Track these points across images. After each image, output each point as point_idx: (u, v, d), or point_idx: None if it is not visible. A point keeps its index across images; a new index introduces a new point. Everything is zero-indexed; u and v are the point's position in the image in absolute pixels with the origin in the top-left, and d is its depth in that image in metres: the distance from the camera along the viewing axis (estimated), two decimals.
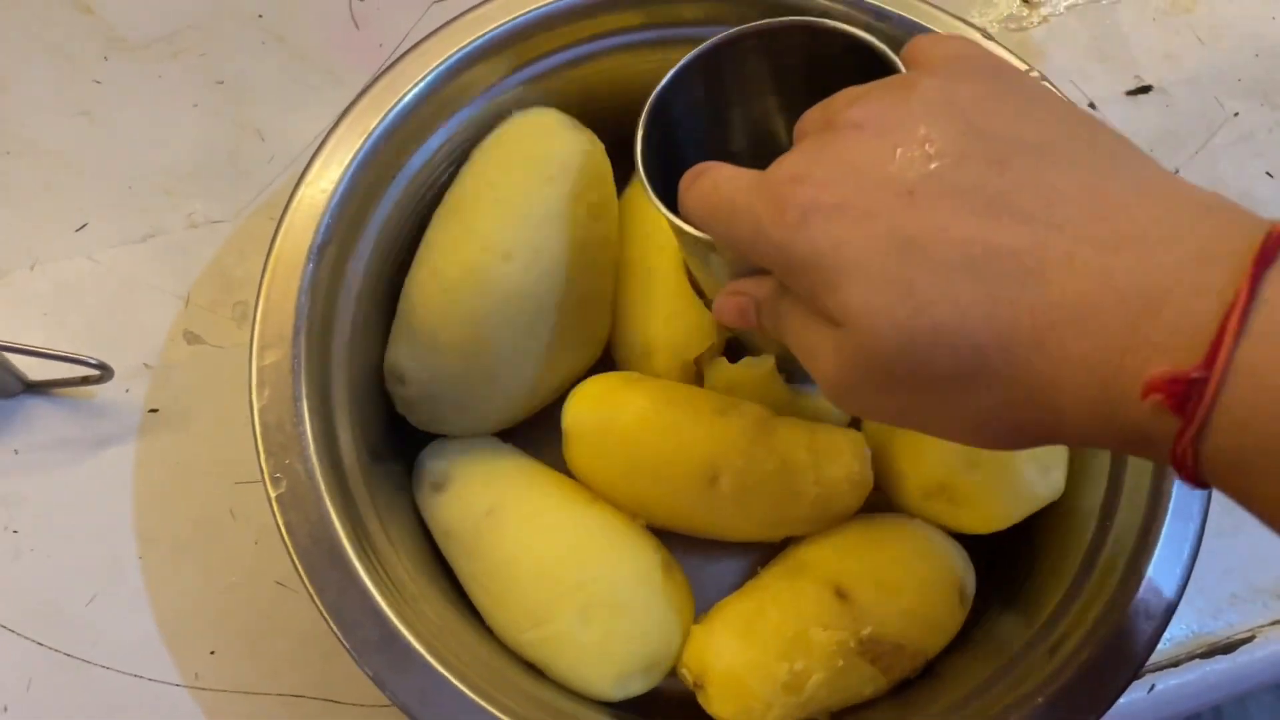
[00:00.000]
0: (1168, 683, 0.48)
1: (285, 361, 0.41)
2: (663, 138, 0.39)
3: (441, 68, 0.46)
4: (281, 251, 0.42)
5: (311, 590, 0.38)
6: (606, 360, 0.51)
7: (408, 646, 0.37)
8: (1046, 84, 0.32)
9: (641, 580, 0.43)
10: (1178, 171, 0.59)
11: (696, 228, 0.35)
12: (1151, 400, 0.25)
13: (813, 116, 0.34)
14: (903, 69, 0.35)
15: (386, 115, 0.45)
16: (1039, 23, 0.62)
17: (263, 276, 0.42)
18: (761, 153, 0.43)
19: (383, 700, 0.45)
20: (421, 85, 0.46)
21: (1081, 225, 0.27)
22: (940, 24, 0.48)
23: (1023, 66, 0.46)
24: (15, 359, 0.49)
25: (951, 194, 0.28)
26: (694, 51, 0.39)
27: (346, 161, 0.44)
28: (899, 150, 0.29)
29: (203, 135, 0.57)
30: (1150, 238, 0.26)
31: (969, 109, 0.30)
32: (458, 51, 0.47)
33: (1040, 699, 0.39)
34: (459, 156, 0.48)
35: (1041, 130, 0.29)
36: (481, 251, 0.44)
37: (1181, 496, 0.41)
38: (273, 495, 0.39)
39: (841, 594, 0.42)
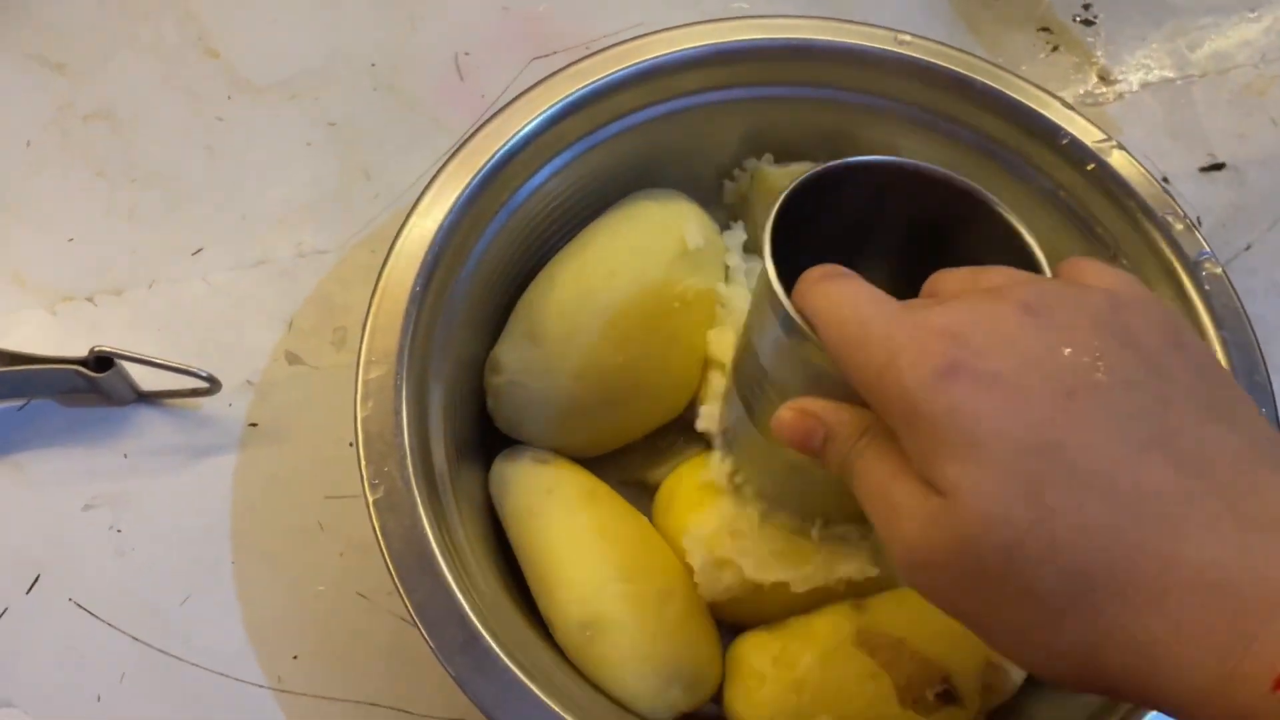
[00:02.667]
0: None
1: (389, 376, 0.43)
2: (785, 230, 0.37)
3: (542, 116, 0.49)
4: (391, 275, 0.45)
5: (402, 591, 0.40)
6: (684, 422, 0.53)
7: (488, 649, 0.39)
8: (1209, 350, 0.32)
9: (694, 599, 0.46)
10: (1249, 248, 0.60)
11: (810, 326, 0.33)
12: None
13: (957, 278, 0.33)
14: (1046, 268, 0.35)
15: (492, 158, 0.48)
16: (1115, 99, 0.64)
17: (372, 297, 0.45)
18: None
19: (452, 714, 0.48)
20: (524, 132, 0.49)
21: (1232, 492, 0.26)
22: (1023, 93, 0.50)
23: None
24: (131, 370, 0.52)
25: (1111, 413, 0.27)
26: (846, 160, 0.38)
27: (454, 197, 0.47)
28: (1068, 350, 0.28)
29: (314, 172, 0.60)
30: None
31: (1141, 341, 0.29)
32: (558, 102, 0.50)
33: None
34: (555, 197, 0.51)
35: (1208, 389, 0.29)
36: (594, 266, 0.48)
37: None
38: (371, 499, 0.41)
39: (859, 606, 0.44)
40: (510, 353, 0.48)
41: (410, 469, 0.42)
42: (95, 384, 0.51)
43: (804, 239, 0.37)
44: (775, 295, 0.35)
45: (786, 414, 0.35)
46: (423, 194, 0.47)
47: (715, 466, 0.47)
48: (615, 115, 0.51)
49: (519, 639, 0.41)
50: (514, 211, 0.49)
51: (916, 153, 0.51)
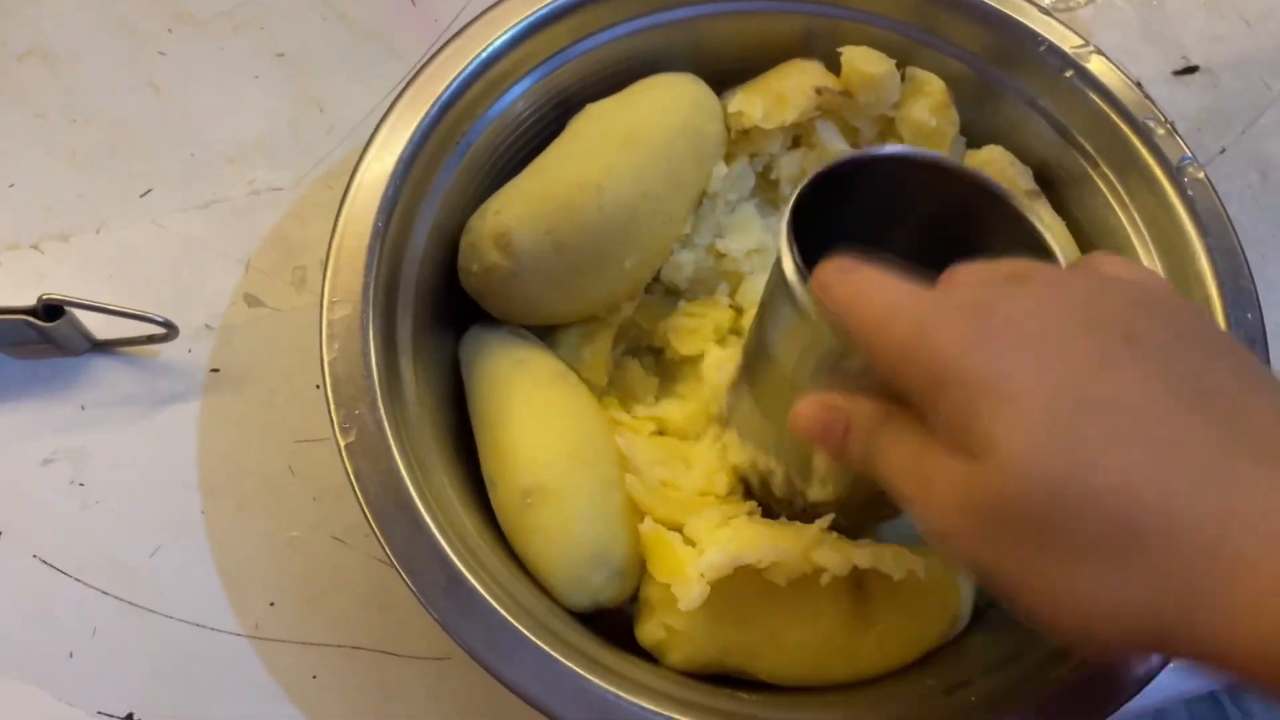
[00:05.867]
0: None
1: (354, 316, 0.42)
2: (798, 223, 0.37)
3: (501, 40, 0.47)
4: (351, 212, 0.44)
5: (380, 536, 0.39)
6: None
7: (472, 591, 0.38)
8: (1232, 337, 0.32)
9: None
10: (1224, 151, 0.59)
11: (832, 319, 0.33)
12: None
13: (975, 270, 0.32)
14: (1058, 252, 0.34)
15: (450, 85, 0.46)
16: (1087, 3, 0.62)
17: (332, 237, 0.43)
18: None
19: (436, 653, 0.47)
20: (483, 56, 0.47)
21: (1275, 443, 0.26)
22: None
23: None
24: (84, 318, 0.50)
25: (1151, 371, 0.27)
26: (860, 153, 0.38)
27: (412, 128, 0.45)
28: (1100, 320, 0.28)
29: (264, 106, 0.58)
30: None
31: (1173, 317, 0.29)
32: (516, 24, 0.48)
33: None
34: (520, 123, 0.49)
35: (1239, 365, 0.28)
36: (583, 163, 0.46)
37: None
38: (342, 444, 0.40)
39: None
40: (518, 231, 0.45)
41: (381, 410, 0.41)
42: (46, 334, 0.49)
43: (815, 233, 0.36)
44: (795, 279, 0.35)
45: (806, 408, 0.34)
46: (379, 125, 0.45)
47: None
48: (577, 36, 0.49)
49: (498, 573, 0.40)
50: (477, 138, 0.48)
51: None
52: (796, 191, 0.36)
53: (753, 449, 0.45)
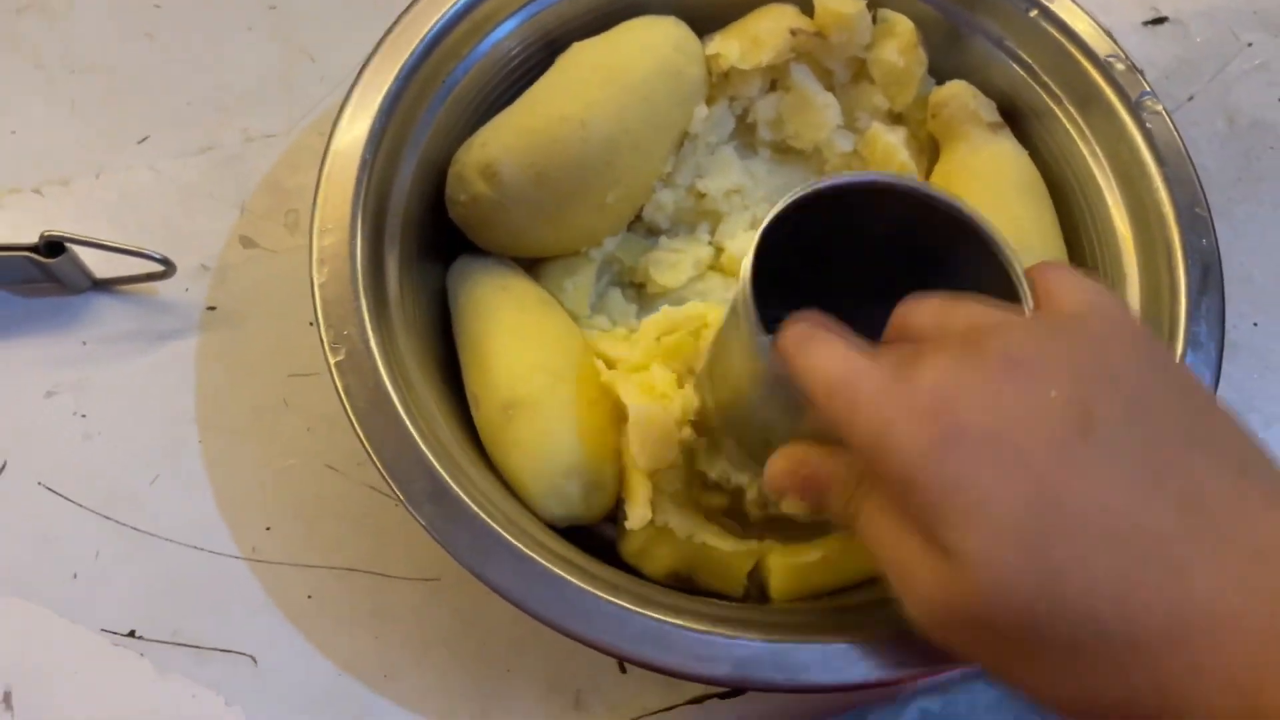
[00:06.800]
0: None
1: (343, 243, 0.44)
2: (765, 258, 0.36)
3: None
4: (339, 146, 0.45)
5: (367, 446, 0.41)
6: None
7: (456, 498, 0.40)
8: (1185, 367, 0.32)
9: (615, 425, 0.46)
10: (1192, 99, 0.61)
11: (792, 381, 0.33)
12: None
13: (927, 312, 0.33)
14: (1026, 288, 0.34)
15: (437, 22, 0.48)
16: None
17: (321, 166, 0.45)
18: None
19: (428, 573, 0.49)
20: None
21: (1228, 526, 0.27)
22: None
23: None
24: (84, 257, 0.52)
25: (1106, 457, 0.28)
26: (824, 184, 0.36)
27: (397, 66, 0.47)
28: (1056, 399, 0.28)
29: (256, 56, 0.60)
30: None
31: (1125, 374, 0.29)
32: None
33: None
34: (509, 61, 0.50)
35: (1192, 420, 0.29)
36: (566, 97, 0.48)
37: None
38: (332, 362, 0.42)
39: None
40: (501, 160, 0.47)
41: (369, 330, 0.42)
42: (48, 271, 0.51)
43: (781, 256, 0.36)
44: (757, 334, 0.34)
45: (780, 463, 0.35)
46: (365, 64, 0.47)
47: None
48: None
49: (480, 485, 0.42)
50: (464, 77, 0.49)
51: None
52: (763, 224, 0.35)
53: (723, 464, 0.45)
